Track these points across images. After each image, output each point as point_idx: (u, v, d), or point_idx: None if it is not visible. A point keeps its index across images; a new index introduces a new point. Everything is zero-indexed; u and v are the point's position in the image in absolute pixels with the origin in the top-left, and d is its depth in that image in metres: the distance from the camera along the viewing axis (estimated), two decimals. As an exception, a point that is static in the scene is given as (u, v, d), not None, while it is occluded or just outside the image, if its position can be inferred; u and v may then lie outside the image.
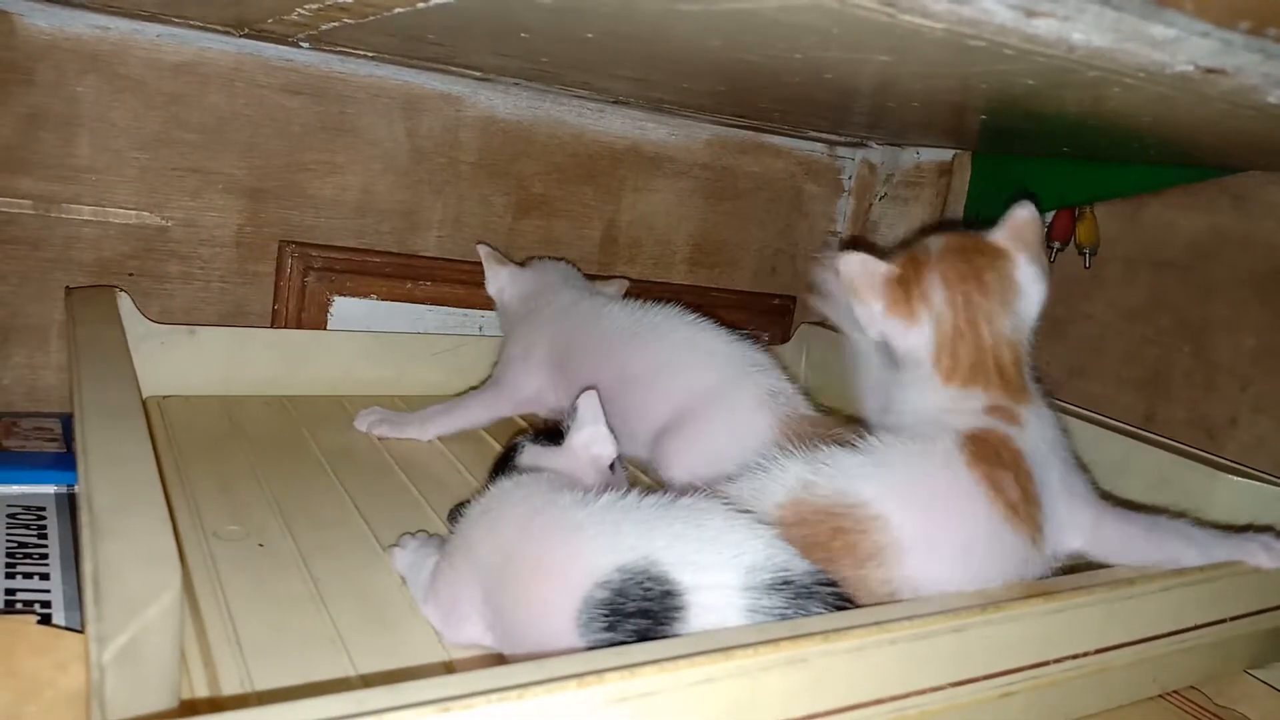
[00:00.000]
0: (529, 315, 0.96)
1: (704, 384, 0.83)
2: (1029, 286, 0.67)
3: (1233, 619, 0.63)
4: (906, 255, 0.69)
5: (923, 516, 0.58)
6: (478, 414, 0.93)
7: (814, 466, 0.60)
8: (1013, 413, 0.63)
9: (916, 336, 0.66)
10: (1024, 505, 0.59)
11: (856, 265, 0.67)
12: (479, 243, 1.03)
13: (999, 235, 0.68)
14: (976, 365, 0.65)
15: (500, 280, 1.00)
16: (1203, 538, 0.63)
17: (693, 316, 0.89)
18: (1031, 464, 0.61)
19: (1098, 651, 0.56)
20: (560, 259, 1.06)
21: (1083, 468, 0.67)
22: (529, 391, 0.92)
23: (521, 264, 1.02)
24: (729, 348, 0.86)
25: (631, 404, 0.83)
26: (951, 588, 0.57)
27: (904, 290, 0.67)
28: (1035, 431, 0.63)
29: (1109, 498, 0.68)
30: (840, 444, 0.62)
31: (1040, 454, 0.62)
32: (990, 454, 0.60)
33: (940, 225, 0.73)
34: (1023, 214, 0.68)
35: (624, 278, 1.10)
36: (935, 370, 0.65)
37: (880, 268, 0.67)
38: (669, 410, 0.82)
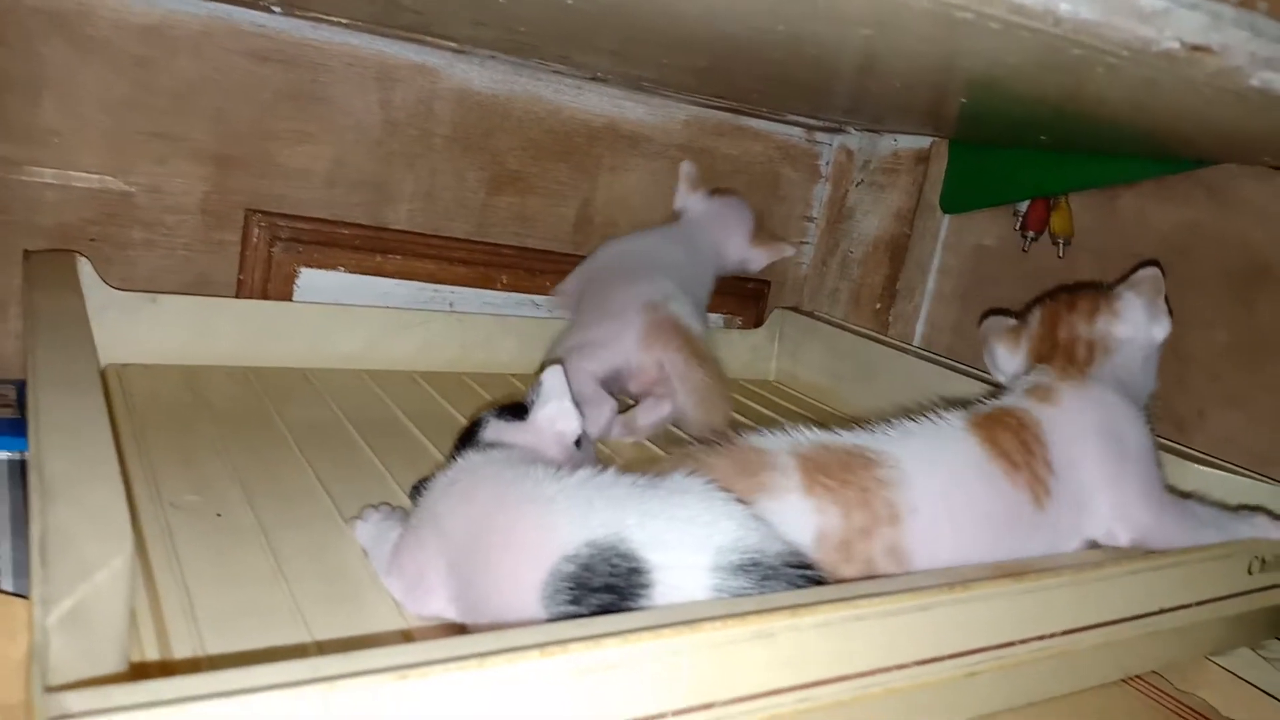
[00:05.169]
0: None
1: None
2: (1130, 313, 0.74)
3: (1197, 604, 0.63)
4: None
5: (929, 472, 0.62)
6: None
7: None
8: (1049, 389, 0.69)
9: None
10: (1026, 462, 0.63)
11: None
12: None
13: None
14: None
15: None
16: (1227, 522, 0.69)
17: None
18: (1049, 435, 0.65)
19: (1064, 633, 0.56)
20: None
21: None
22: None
23: None
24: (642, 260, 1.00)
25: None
26: (950, 540, 0.60)
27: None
28: (1070, 409, 0.67)
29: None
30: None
31: (1067, 430, 0.66)
32: (990, 421, 0.66)
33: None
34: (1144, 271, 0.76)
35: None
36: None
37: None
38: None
